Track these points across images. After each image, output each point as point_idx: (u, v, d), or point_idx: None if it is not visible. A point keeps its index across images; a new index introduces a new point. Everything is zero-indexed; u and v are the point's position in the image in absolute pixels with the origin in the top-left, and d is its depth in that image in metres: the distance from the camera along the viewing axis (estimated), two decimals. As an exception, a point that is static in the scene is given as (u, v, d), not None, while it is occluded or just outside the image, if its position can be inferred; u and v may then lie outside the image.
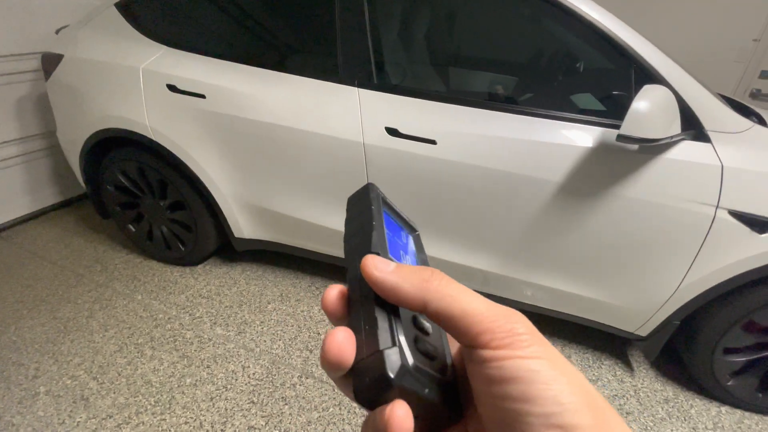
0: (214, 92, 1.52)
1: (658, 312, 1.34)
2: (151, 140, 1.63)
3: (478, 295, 0.19)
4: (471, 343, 0.18)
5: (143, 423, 1.32)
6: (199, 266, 2.04)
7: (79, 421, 1.32)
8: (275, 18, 1.57)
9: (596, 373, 1.58)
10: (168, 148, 1.63)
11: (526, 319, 0.19)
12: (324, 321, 1.74)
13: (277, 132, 1.48)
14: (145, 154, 1.71)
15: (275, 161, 1.56)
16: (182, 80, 1.55)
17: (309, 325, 1.72)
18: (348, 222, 0.25)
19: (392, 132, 1.35)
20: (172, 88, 1.56)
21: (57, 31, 1.98)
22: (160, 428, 1.30)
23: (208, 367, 1.51)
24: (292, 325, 1.72)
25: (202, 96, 1.53)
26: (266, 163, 1.57)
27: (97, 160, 1.86)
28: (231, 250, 2.05)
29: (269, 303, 1.83)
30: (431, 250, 1.51)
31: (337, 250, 1.70)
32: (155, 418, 1.33)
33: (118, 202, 1.93)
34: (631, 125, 1.03)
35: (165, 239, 1.96)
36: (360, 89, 1.39)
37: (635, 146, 1.16)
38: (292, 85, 1.47)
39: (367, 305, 0.20)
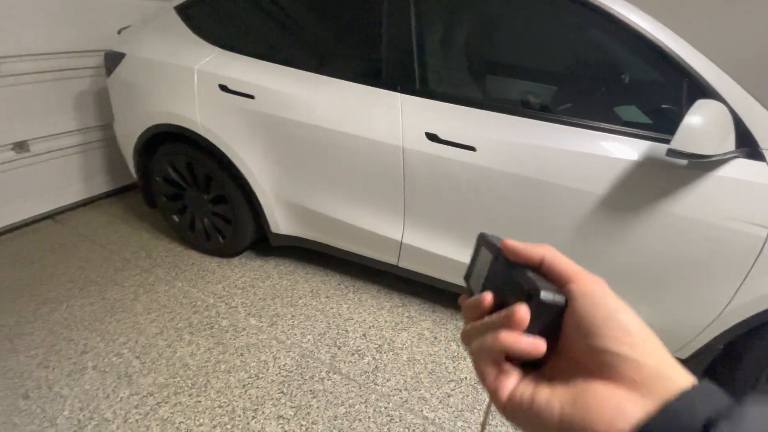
0: (263, 93, 1.59)
1: (700, 335, 1.29)
2: (201, 137, 1.72)
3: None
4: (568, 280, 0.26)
5: (180, 403, 1.39)
6: (236, 259, 2.12)
7: (122, 397, 1.40)
8: (323, 23, 1.63)
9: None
10: (216, 144, 1.72)
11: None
12: (352, 319, 1.78)
13: (320, 133, 1.54)
14: (195, 149, 1.81)
15: (316, 161, 1.61)
16: (233, 81, 1.63)
17: (338, 323, 1.76)
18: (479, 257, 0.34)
19: (432, 137, 1.37)
20: (223, 88, 1.65)
21: (119, 31, 2.13)
22: (196, 410, 1.37)
23: (241, 355, 1.58)
24: (322, 321, 1.76)
25: (251, 97, 1.61)
26: (307, 163, 1.63)
27: (150, 153, 1.98)
28: (266, 244, 2.12)
29: (300, 298, 1.88)
30: (464, 255, 1.52)
31: (369, 251, 1.74)
32: (191, 399, 1.40)
33: (165, 193, 2.05)
34: (682, 140, 1.01)
35: (206, 231, 2.06)
36: (402, 94, 1.42)
37: (685, 162, 1.13)
38: (337, 89, 1.52)
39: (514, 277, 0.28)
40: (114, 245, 2.18)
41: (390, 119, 1.43)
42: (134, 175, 2.12)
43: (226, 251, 2.09)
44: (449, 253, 1.55)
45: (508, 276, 0.29)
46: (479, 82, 1.62)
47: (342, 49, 1.65)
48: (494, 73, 1.67)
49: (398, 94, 1.43)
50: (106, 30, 2.36)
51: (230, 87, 1.64)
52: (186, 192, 1.99)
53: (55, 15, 2.16)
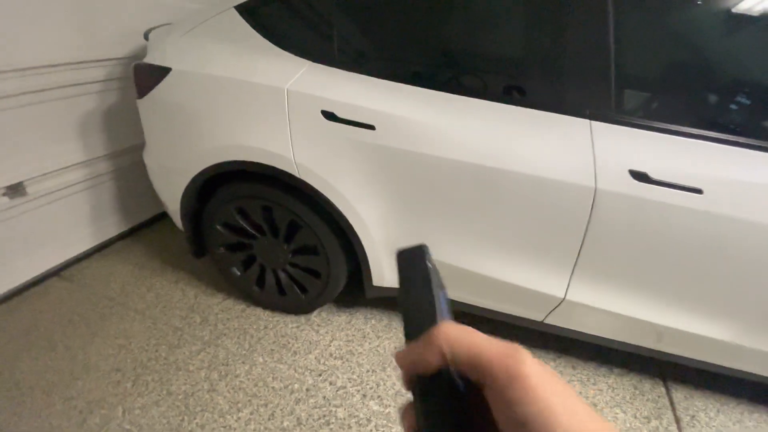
0: (386, 122, 1.23)
1: None
2: (297, 179, 1.33)
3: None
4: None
5: None
6: (314, 314, 1.75)
7: None
8: (469, 25, 1.27)
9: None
10: (316, 187, 1.33)
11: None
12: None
13: (465, 171, 1.21)
14: (279, 191, 1.41)
15: (454, 204, 1.28)
16: (343, 106, 1.25)
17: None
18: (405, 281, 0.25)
19: (639, 176, 1.08)
20: (329, 115, 1.26)
21: (146, 35, 1.65)
22: None
23: (380, 459, 1.24)
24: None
25: (371, 127, 1.24)
26: (442, 207, 1.29)
27: (206, 194, 1.54)
28: (344, 292, 1.76)
29: (417, 365, 1.55)
30: (645, 311, 1.26)
31: (512, 308, 1.44)
32: None
33: (225, 243, 1.62)
34: None
35: (279, 285, 1.66)
36: (593, 121, 1.12)
37: None
38: (492, 114, 1.19)
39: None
40: (154, 309, 1.73)
41: (575, 153, 1.12)
42: (177, 221, 1.67)
43: (303, 308, 1.71)
44: (625, 310, 1.28)
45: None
46: (699, 107, 1.18)
47: (498, 64, 1.28)
48: (725, 96, 1.16)
49: (587, 120, 1.12)
50: (110, 32, 1.86)
51: (339, 114, 1.25)
52: (257, 241, 1.58)
53: (47, 16, 1.64)
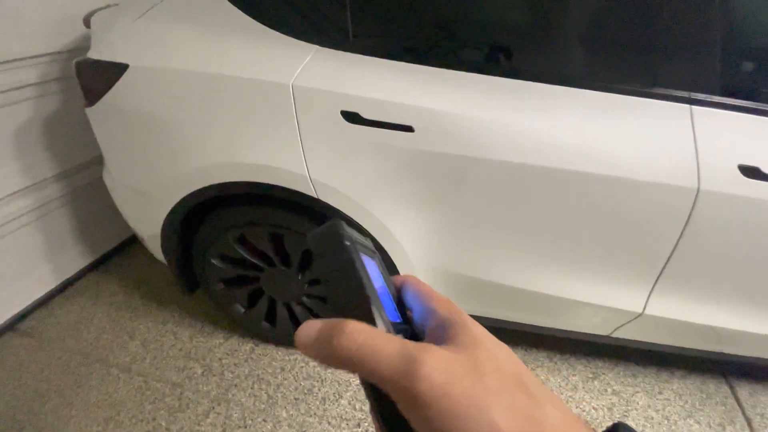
0: (428, 121, 0.96)
1: None
2: (315, 200, 1.05)
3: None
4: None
5: None
6: (335, 346, 1.50)
7: None
8: None
9: None
10: (338, 208, 1.06)
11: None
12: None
13: (532, 176, 0.97)
14: (292, 215, 1.13)
15: (515, 217, 1.05)
16: (370, 104, 0.97)
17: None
18: (324, 267, 0.22)
19: (750, 172, 0.88)
20: (351, 116, 0.98)
21: (87, 21, 1.28)
22: None
23: None
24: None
25: (409, 129, 0.97)
26: (499, 220, 1.06)
27: (194, 220, 1.24)
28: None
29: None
30: (726, 319, 1.10)
31: (576, 324, 1.25)
32: None
33: (224, 277, 1.33)
34: None
35: (293, 318, 1.40)
36: (695, 106, 0.90)
37: None
38: (561, 103, 0.94)
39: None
40: (141, 362, 1.43)
41: (673, 148, 0.90)
42: (157, 254, 1.36)
43: (324, 340, 1.46)
44: (705, 319, 1.12)
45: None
46: None
47: (568, 41, 1.01)
48: None
49: (686, 105, 0.90)
50: (40, 19, 1.45)
51: (365, 115, 0.97)
52: (264, 273, 1.30)
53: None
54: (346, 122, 0.98)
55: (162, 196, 1.18)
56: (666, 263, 1.03)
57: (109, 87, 1.11)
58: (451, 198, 1.05)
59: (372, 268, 0.23)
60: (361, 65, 0.99)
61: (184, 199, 1.14)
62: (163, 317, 1.60)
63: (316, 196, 1.05)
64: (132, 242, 1.95)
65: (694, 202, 0.92)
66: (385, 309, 0.20)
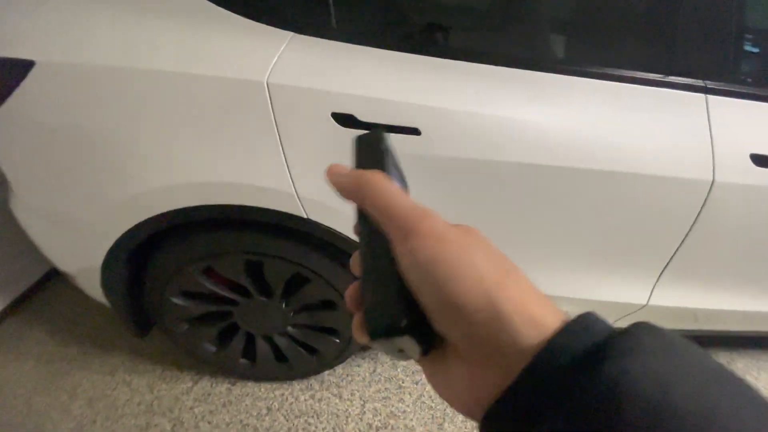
0: (437, 122, 0.82)
1: None
2: (307, 220, 0.87)
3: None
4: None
5: None
6: (326, 372, 1.35)
7: None
8: None
9: None
10: (332, 227, 0.90)
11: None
12: None
13: (545, 177, 0.88)
14: (274, 239, 0.94)
15: (527, 220, 0.96)
16: (366, 103, 0.81)
17: None
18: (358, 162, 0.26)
19: (762, 161, 0.87)
20: (343, 119, 0.81)
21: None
22: None
23: None
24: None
25: (415, 131, 0.82)
26: (511, 223, 0.96)
27: (142, 253, 1.00)
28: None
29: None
30: (732, 302, 1.13)
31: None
32: None
33: (188, 316, 1.11)
34: None
35: (278, 353, 1.22)
36: (709, 95, 0.85)
37: None
38: (570, 96, 0.86)
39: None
40: (92, 427, 1.17)
41: (690, 139, 0.86)
42: (97, 297, 1.10)
43: (315, 370, 1.30)
44: (708, 304, 1.14)
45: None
46: None
47: (578, 25, 0.91)
48: None
49: (701, 95, 0.85)
50: None
51: (362, 117, 0.81)
52: (238, 307, 1.10)
53: None
54: (339, 126, 0.82)
55: (98, 229, 0.93)
56: (673, 256, 1.02)
57: (10, 91, 0.83)
58: (461, 206, 0.93)
59: (394, 175, 0.24)
60: (350, 56, 0.83)
61: (128, 233, 0.91)
62: (111, 365, 1.33)
63: (305, 216, 0.87)
64: (54, 275, 1.61)
65: (708, 194, 0.90)
66: None
